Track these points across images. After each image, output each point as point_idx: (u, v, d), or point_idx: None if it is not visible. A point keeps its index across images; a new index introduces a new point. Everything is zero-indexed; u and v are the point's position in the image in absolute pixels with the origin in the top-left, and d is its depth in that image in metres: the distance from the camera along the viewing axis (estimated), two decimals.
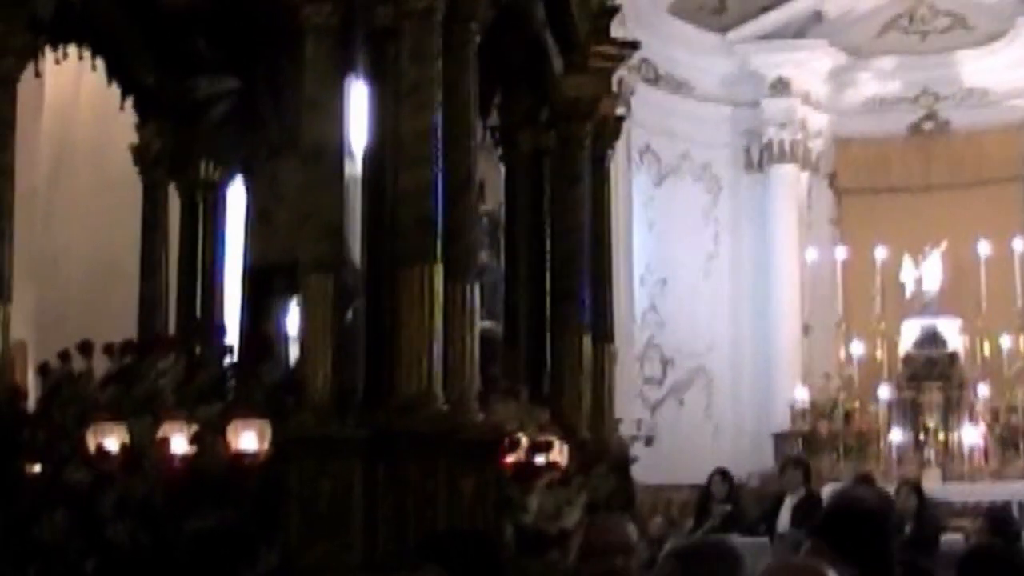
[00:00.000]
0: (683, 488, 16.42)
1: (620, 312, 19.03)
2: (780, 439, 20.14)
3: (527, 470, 7.88)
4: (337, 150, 7.63)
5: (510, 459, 7.82)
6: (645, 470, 18.04)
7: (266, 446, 7.13)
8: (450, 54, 7.59)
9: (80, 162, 12.77)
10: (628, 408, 18.93)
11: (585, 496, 8.41)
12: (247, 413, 7.24)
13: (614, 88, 18.06)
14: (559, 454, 8.41)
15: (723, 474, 13.90)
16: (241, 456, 7.13)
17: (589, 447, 9.04)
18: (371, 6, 7.59)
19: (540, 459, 8.05)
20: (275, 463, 7.08)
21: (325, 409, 7.09)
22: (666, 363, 20.80)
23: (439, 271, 7.30)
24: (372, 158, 7.77)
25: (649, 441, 19.37)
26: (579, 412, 9.23)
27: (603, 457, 9.19)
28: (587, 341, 9.38)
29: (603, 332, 9.70)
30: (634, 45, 10.47)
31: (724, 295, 21.44)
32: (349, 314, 7.74)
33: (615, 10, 9.78)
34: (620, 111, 18.48)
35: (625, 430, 18.45)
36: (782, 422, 20.26)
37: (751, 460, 19.76)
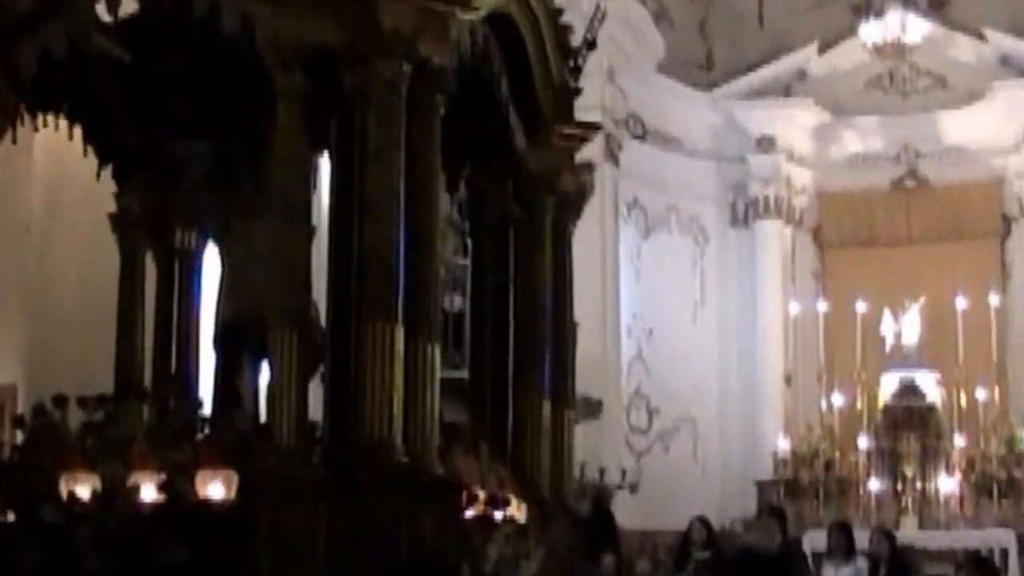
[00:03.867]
0: (668, 533, 16.55)
1: (607, 361, 19.42)
2: (763, 486, 20.49)
3: (485, 522, 8.20)
4: (305, 208, 8.02)
5: (470, 512, 8.12)
6: (632, 515, 18.40)
7: (232, 494, 7.46)
8: (415, 121, 7.92)
9: (74, 200, 12.77)
10: (614, 456, 19.25)
11: (543, 550, 8.67)
12: (216, 460, 7.57)
13: (602, 142, 18.77)
14: (517, 510, 8.72)
15: (703, 521, 14.00)
16: (209, 502, 7.47)
17: (548, 506, 9.28)
18: (340, 74, 7.91)
19: (499, 513, 8.36)
20: (244, 501, 7.42)
21: (291, 452, 7.43)
22: (652, 411, 21.08)
23: (400, 330, 7.60)
24: (338, 218, 8.06)
25: (634, 488, 19.65)
26: (538, 471, 9.45)
27: (562, 515, 9.41)
28: (546, 405, 9.60)
29: (563, 397, 9.90)
30: (595, 126, 10.73)
31: (710, 345, 21.77)
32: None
33: (578, 91, 10.00)
34: (607, 166, 19.17)
35: (610, 479, 18.82)
36: (765, 469, 20.59)
37: (736, 506, 20.15)
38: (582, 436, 18.79)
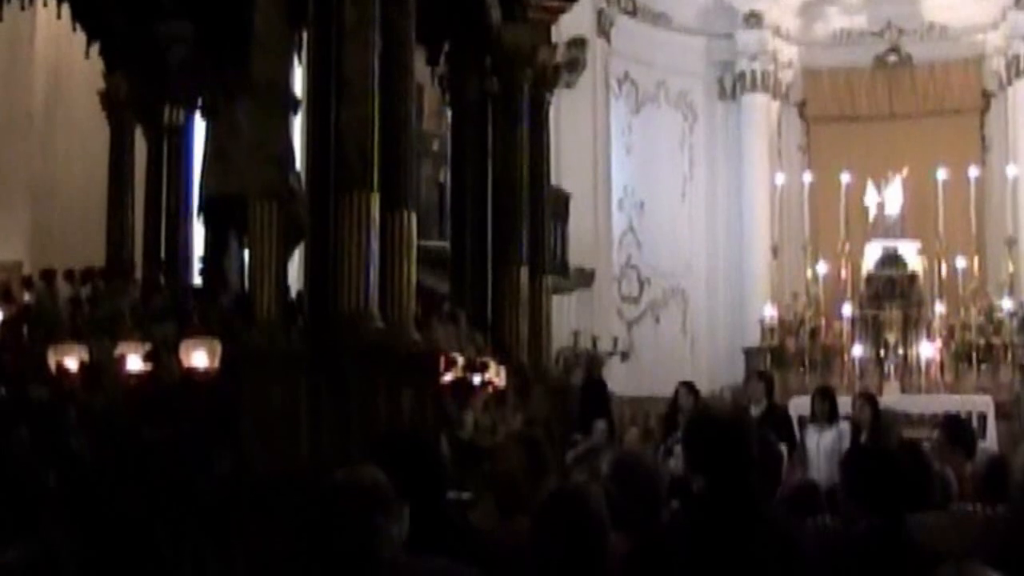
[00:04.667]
0: (659, 401, 16.82)
1: (599, 234, 19.70)
2: (750, 354, 20.85)
3: (464, 388, 8.39)
4: (284, 87, 8.15)
5: (448, 377, 8.32)
6: (623, 384, 18.75)
7: (216, 363, 7.60)
8: None
9: (74, 86, 12.94)
10: (606, 325, 19.57)
11: (521, 415, 8.89)
12: (199, 332, 7.73)
13: (594, 18, 18.83)
14: (496, 375, 8.92)
15: (689, 387, 14.18)
16: (193, 372, 7.61)
17: (526, 371, 9.50)
18: None
19: (476, 378, 8.56)
20: (227, 378, 7.54)
21: (272, 327, 7.55)
22: (643, 282, 21.44)
23: (376, 199, 7.76)
24: (316, 95, 8.17)
25: (625, 356, 20.02)
26: (517, 339, 9.68)
27: (540, 381, 9.62)
28: (524, 273, 9.82)
29: (540, 265, 10.11)
30: None
31: (699, 218, 22.10)
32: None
33: None
34: (599, 42, 19.24)
35: (602, 346, 19.13)
36: (752, 338, 20.95)
37: (724, 374, 20.62)
38: (575, 306, 19.20)
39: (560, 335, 18.22)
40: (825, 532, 5.59)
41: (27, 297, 8.67)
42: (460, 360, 8.46)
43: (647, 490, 5.29)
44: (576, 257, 18.19)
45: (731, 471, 4.50)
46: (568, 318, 18.73)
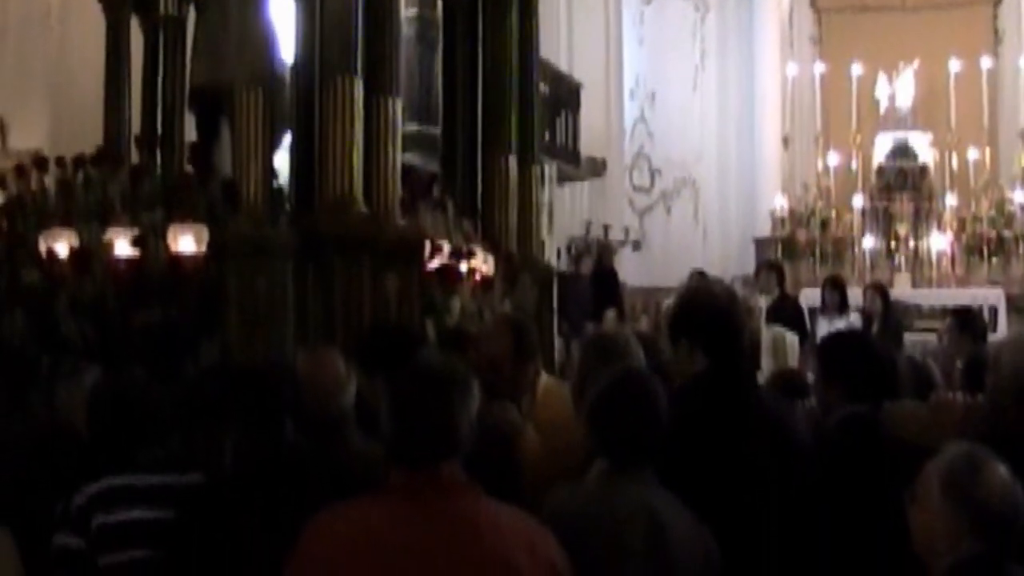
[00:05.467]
0: (670, 291, 16.93)
1: (611, 123, 19.76)
2: (761, 244, 20.94)
3: (450, 274, 8.40)
4: None
5: (434, 264, 8.36)
6: (635, 273, 18.88)
7: (203, 249, 7.64)
8: None
9: None
10: (617, 215, 19.66)
11: (508, 303, 8.93)
12: (186, 218, 7.77)
13: None
14: (484, 263, 8.96)
15: (701, 275, 14.25)
16: (180, 258, 7.67)
17: (514, 260, 9.54)
18: None
19: (464, 266, 8.58)
20: (214, 265, 7.56)
21: (258, 214, 7.55)
22: (654, 172, 21.51)
23: (359, 83, 7.75)
24: None
25: (637, 246, 20.13)
26: (506, 227, 9.70)
27: (528, 269, 9.67)
28: (513, 162, 9.80)
29: (529, 155, 10.07)
30: None
31: (710, 108, 22.11)
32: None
33: None
34: None
35: (614, 235, 19.22)
36: (763, 228, 20.97)
37: (735, 264, 20.65)
38: (587, 195, 19.33)
39: (572, 224, 18.35)
40: (812, 415, 5.59)
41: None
42: (446, 247, 8.48)
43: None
44: (588, 146, 18.27)
45: (725, 351, 4.54)
46: (580, 207, 18.84)
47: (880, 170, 20.72)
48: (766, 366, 10.66)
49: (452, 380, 3.53)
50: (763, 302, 13.89)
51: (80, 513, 4.26)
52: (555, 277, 10.16)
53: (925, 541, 3.61)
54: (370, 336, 6.14)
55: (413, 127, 11.44)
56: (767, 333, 11.89)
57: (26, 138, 13.34)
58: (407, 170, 8.60)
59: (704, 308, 4.69)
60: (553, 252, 16.06)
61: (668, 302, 10.05)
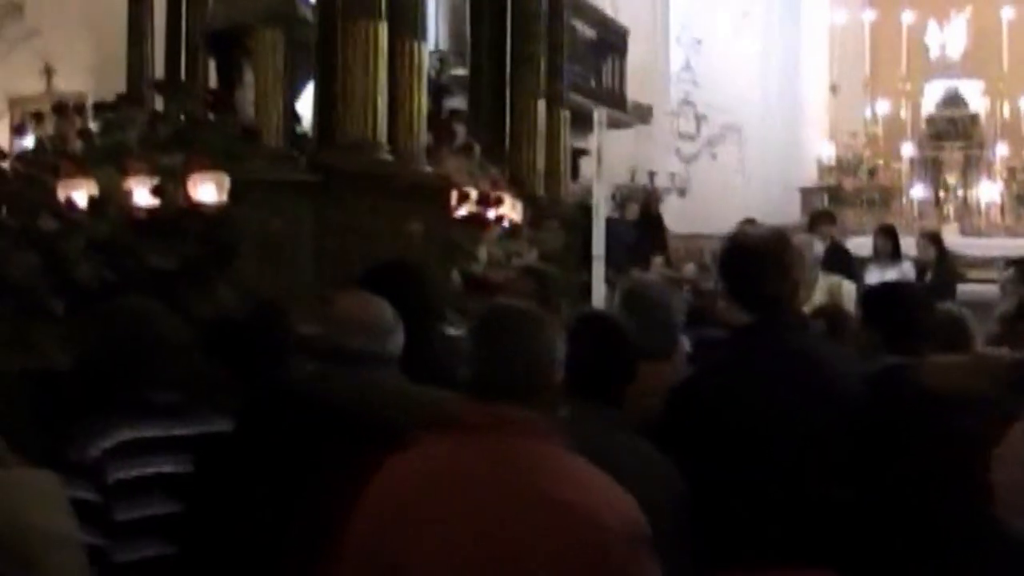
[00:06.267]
0: (714, 237, 16.79)
1: (656, 69, 19.56)
2: (807, 193, 20.79)
3: (477, 222, 8.24)
4: None
5: (461, 211, 8.18)
6: (680, 220, 18.70)
7: (224, 197, 7.44)
8: None
9: None
10: (663, 161, 19.52)
11: (535, 249, 8.75)
12: (206, 163, 7.57)
13: None
14: (511, 209, 8.76)
15: (751, 224, 14.08)
16: (201, 206, 7.46)
17: (542, 204, 9.35)
18: None
19: (490, 212, 8.41)
20: (231, 206, 7.38)
21: (277, 155, 7.46)
22: (700, 118, 21.28)
23: (384, 26, 7.57)
24: None
25: (682, 193, 19.98)
26: (533, 172, 9.54)
27: (556, 214, 9.47)
28: (541, 105, 9.64)
29: (558, 97, 9.91)
30: None
31: (756, 54, 21.80)
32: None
33: None
34: None
35: (660, 182, 19.08)
36: (809, 177, 20.78)
37: (779, 212, 20.29)
38: (633, 141, 19.15)
39: (618, 170, 18.17)
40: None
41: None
42: (473, 194, 8.30)
43: (659, 318, 5.19)
44: (633, 92, 18.13)
45: (770, 300, 4.47)
46: (626, 153, 18.65)
47: (930, 119, 20.48)
48: None
49: (542, 320, 3.46)
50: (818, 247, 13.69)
51: (96, 465, 4.07)
52: (594, 220, 9.96)
53: (1014, 500, 3.54)
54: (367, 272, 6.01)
55: (461, 71, 11.23)
56: (823, 281, 11.71)
57: (72, 81, 13.69)
58: (432, 115, 8.41)
59: (742, 260, 4.62)
60: (601, 198, 15.92)
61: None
